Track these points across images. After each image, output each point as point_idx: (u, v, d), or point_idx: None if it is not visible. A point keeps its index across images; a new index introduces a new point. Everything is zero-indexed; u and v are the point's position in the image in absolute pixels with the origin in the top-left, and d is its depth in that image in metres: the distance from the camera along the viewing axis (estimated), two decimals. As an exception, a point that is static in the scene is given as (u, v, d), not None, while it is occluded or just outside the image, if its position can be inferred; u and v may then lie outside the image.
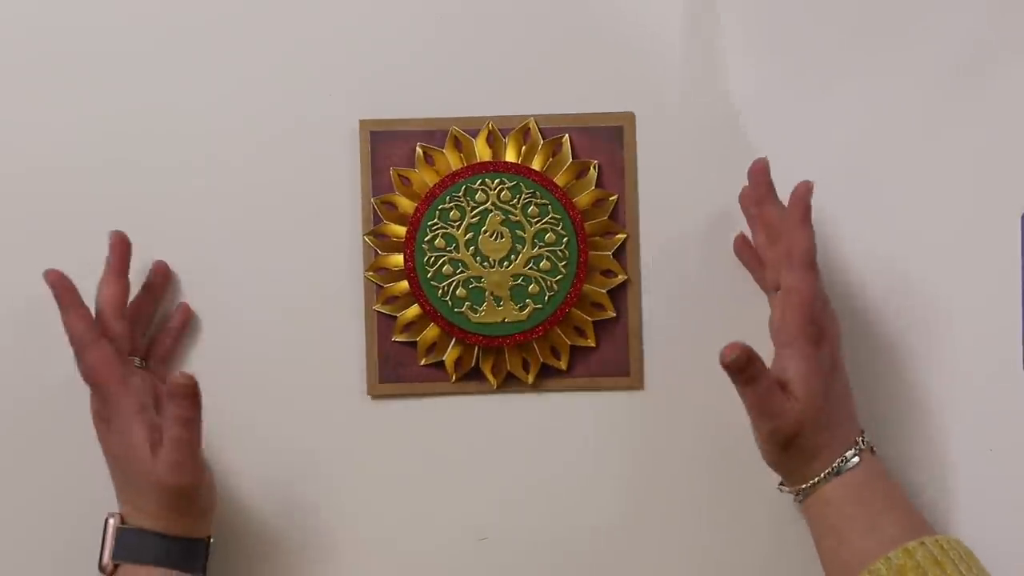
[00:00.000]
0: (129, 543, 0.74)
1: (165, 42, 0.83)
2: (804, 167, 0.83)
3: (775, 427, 0.73)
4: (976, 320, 0.83)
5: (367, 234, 0.83)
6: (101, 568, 0.74)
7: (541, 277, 0.81)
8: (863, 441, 0.75)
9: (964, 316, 0.83)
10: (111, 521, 0.75)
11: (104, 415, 0.75)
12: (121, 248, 0.79)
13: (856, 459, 0.74)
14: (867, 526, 0.72)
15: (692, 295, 0.83)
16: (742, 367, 0.72)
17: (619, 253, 0.83)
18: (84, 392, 0.76)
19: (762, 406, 0.73)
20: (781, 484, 0.77)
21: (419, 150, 0.82)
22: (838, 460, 0.74)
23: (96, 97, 0.83)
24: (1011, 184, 0.83)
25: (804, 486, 0.75)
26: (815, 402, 0.73)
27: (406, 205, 0.82)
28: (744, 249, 0.83)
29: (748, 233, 0.83)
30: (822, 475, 0.74)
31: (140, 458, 0.74)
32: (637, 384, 0.83)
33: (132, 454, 0.74)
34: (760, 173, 0.79)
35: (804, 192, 0.75)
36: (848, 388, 0.77)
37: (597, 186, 0.83)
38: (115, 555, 0.74)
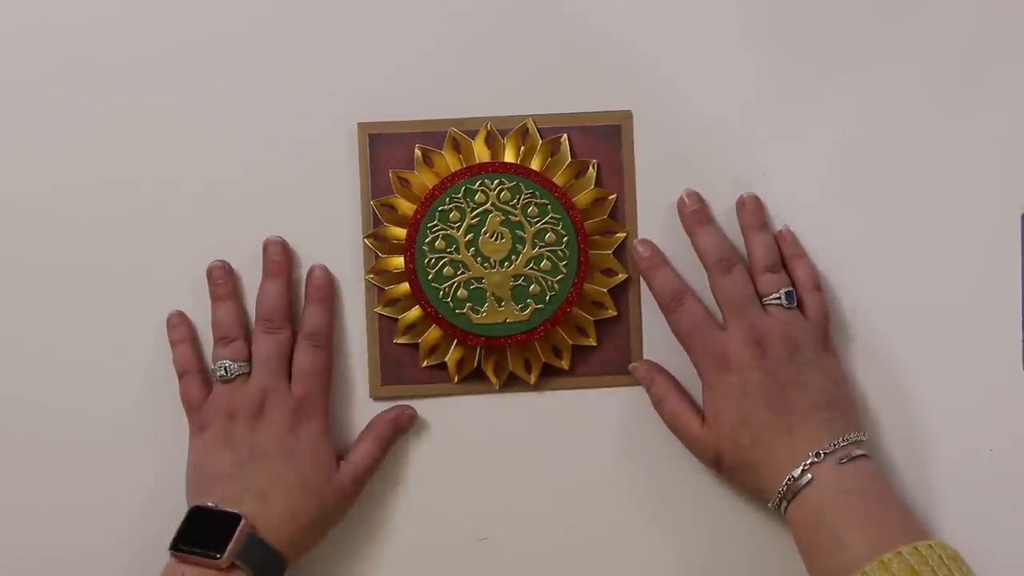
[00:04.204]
0: (257, 555, 0.74)
1: (163, 46, 0.83)
2: (803, 166, 0.83)
3: (693, 450, 0.80)
4: (976, 320, 0.83)
5: (367, 236, 0.83)
6: (218, 563, 0.73)
7: (542, 277, 0.81)
8: (821, 455, 0.74)
9: (964, 316, 0.83)
10: (241, 523, 0.74)
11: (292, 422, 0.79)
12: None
13: (807, 477, 0.74)
14: (832, 546, 0.72)
15: (692, 292, 0.83)
16: (641, 380, 0.82)
17: (619, 252, 0.83)
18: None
19: (672, 427, 0.81)
20: None
21: (418, 152, 0.82)
22: (787, 479, 0.74)
23: (95, 101, 0.83)
24: (1011, 183, 0.83)
25: (768, 505, 0.76)
26: (725, 426, 0.77)
27: (406, 207, 0.82)
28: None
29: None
30: (776, 497, 0.75)
31: (325, 467, 0.78)
32: (639, 382, 0.84)
33: (317, 463, 0.78)
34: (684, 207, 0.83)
35: (640, 248, 0.82)
36: (794, 404, 0.76)
37: (596, 185, 0.83)
38: (241, 557, 0.74)
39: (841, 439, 0.75)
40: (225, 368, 0.79)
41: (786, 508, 0.75)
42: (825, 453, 0.74)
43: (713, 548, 0.84)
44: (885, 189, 0.83)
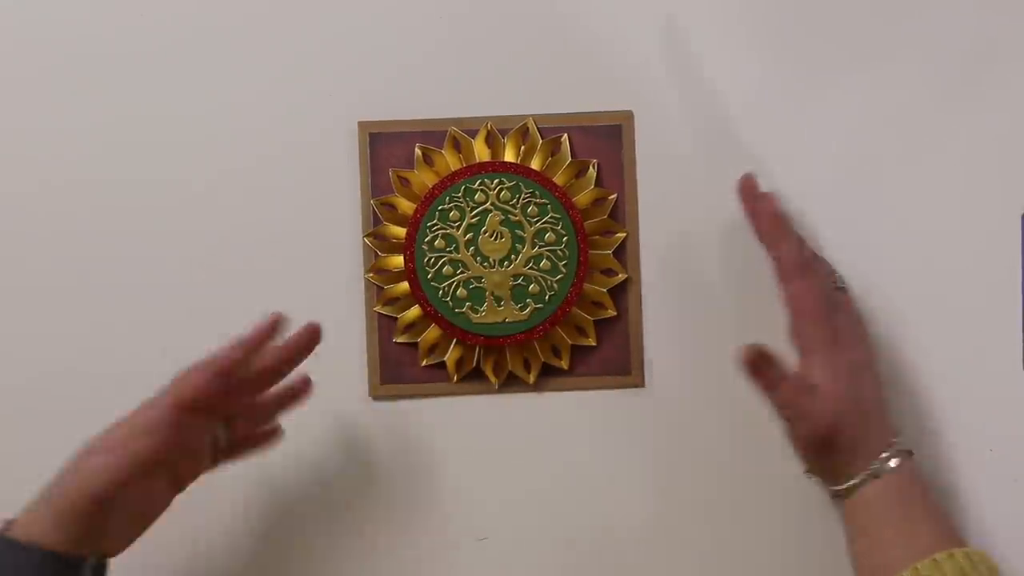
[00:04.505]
0: (8, 558, 0.69)
1: (163, 46, 0.83)
2: (804, 166, 0.83)
3: (809, 429, 0.74)
4: (976, 320, 0.83)
5: (367, 235, 0.83)
6: None
7: (541, 277, 0.81)
8: (899, 443, 0.75)
9: (964, 316, 0.83)
10: None
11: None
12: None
13: (894, 462, 0.74)
14: (903, 531, 0.72)
15: (693, 292, 0.83)
16: (756, 366, 0.73)
17: (619, 252, 0.83)
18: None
19: (793, 408, 0.74)
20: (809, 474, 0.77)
21: (418, 151, 0.82)
22: (877, 462, 0.74)
23: (95, 101, 0.83)
24: (1011, 183, 0.83)
25: (844, 486, 0.75)
26: (844, 404, 0.74)
27: (406, 206, 0.82)
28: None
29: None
30: (862, 476, 0.74)
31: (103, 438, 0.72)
32: (638, 382, 0.83)
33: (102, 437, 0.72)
34: (748, 189, 0.79)
35: (768, 208, 0.77)
36: (881, 389, 0.77)
37: (596, 185, 0.83)
38: None
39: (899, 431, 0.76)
40: None
41: (856, 490, 0.74)
42: (901, 442, 0.75)
43: (713, 547, 0.83)
44: (885, 189, 0.83)
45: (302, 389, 0.79)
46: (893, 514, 0.73)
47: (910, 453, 0.75)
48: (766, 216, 0.77)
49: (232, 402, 0.76)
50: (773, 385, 0.75)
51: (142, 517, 0.74)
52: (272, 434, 0.79)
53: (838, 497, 0.75)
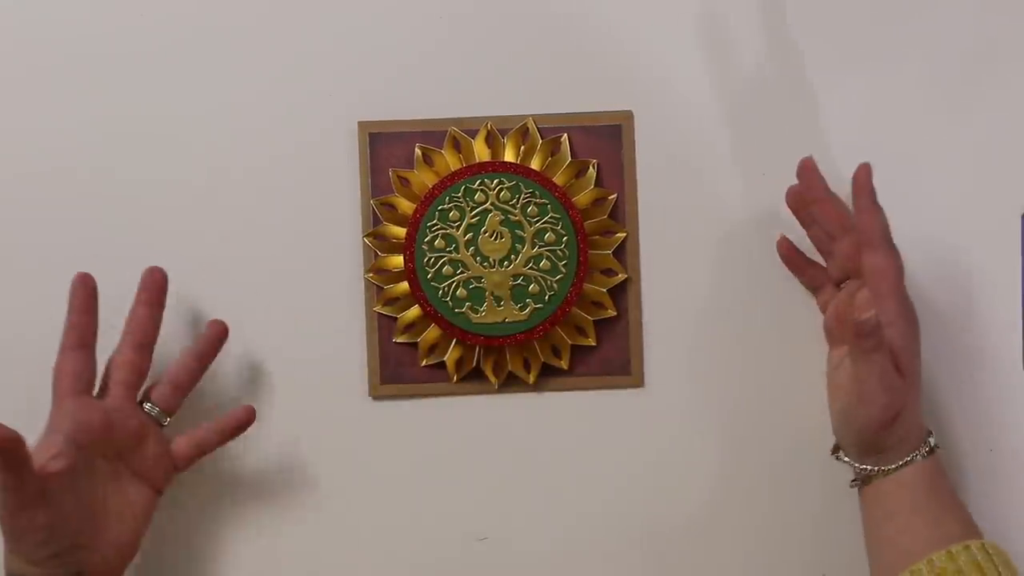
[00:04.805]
0: None
1: (163, 46, 0.83)
2: (803, 165, 0.83)
3: (888, 402, 0.72)
4: (976, 320, 0.83)
5: (367, 235, 0.83)
6: None
7: (541, 277, 0.81)
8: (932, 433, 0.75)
9: (964, 316, 0.83)
10: None
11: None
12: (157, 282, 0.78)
13: (933, 447, 0.74)
14: (929, 520, 0.72)
15: (693, 292, 0.83)
16: (874, 329, 0.70)
17: (619, 252, 0.83)
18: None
19: (883, 378, 0.72)
20: (839, 456, 0.77)
21: (418, 151, 0.82)
22: (924, 444, 0.74)
23: (95, 101, 0.83)
24: (1011, 183, 0.83)
25: (893, 466, 0.74)
26: (916, 382, 0.74)
27: (405, 206, 0.82)
28: (791, 250, 0.82)
29: (757, 233, 0.83)
30: (910, 456, 0.74)
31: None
32: (638, 382, 0.83)
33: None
34: (811, 171, 0.78)
35: (866, 176, 0.74)
36: None
37: (596, 185, 0.83)
38: None
39: None
40: None
41: (896, 472, 0.74)
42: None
43: (712, 547, 0.83)
44: (885, 189, 0.83)
45: (218, 335, 0.80)
46: (929, 498, 0.73)
47: (936, 445, 0.75)
48: (865, 185, 0.75)
49: (129, 372, 0.76)
50: (877, 348, 0.71)
51: (113, 520, 0.72)
52: (242, 416, 0.78)
53: (869, 479, 0.75)
